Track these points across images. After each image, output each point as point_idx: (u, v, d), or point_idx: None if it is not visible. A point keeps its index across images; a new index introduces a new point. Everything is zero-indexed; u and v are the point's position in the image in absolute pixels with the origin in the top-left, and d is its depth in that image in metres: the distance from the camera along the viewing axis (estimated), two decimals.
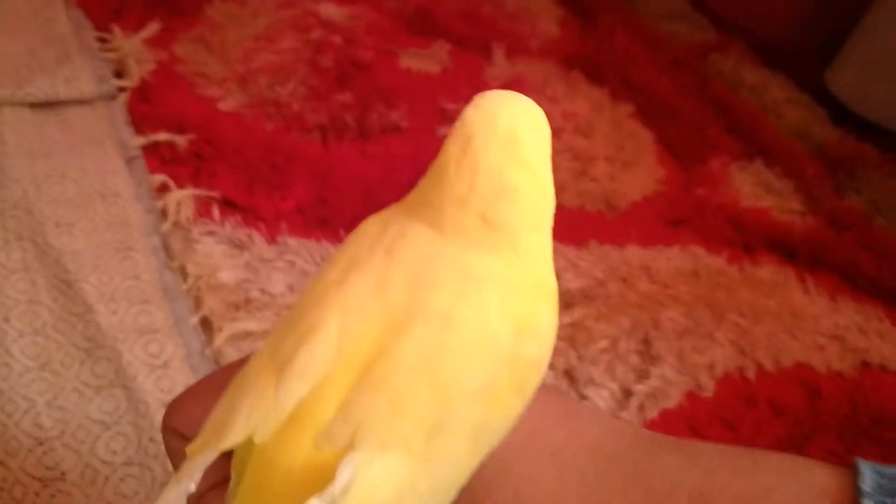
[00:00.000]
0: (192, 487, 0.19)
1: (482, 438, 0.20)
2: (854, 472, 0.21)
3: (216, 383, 0.23)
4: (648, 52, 1.10)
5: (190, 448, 0.20)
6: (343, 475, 0.17)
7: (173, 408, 0.25)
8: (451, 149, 0.20)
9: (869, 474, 0.21)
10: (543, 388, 0.22)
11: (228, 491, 0.20)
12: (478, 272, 0.20)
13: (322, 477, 0.18)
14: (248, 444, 0.19)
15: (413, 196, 0.21)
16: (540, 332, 0.21)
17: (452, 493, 0.20)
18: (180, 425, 0.24)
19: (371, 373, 0.19)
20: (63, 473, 0.47)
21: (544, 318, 0.21)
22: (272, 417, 0.19)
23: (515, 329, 0.20)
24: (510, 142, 0.20)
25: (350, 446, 0.18)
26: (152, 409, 0.50)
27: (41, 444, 0.48)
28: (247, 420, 0.19)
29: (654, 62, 1.08)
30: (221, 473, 0.21)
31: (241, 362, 0.22)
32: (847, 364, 0.71)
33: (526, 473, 0.23)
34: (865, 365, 0.73)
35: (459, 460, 0.20)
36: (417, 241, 0.20)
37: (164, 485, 0.48)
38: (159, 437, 0.49)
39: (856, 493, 0.21)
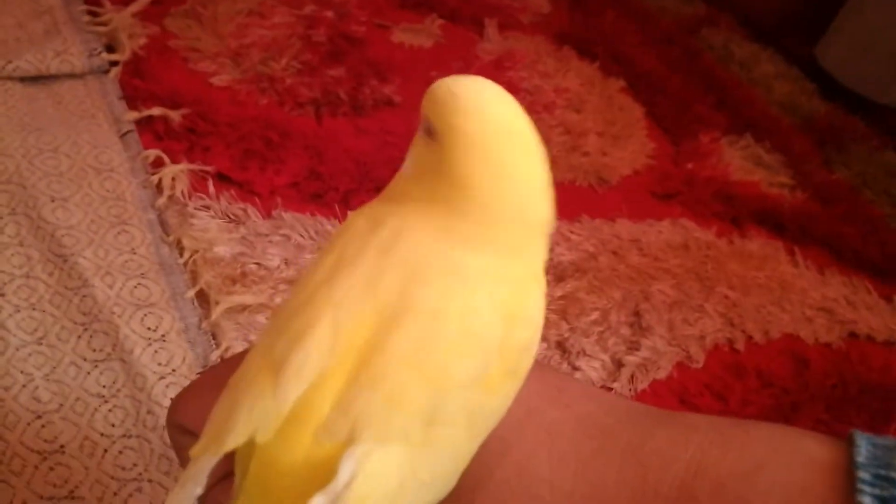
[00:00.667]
0: (199, 491, 0.19)
1: (478, 423, 0.21)
2: (849, 444, 0.21)
3: (216, 379, 0.23)
4: (639, 27, 1.10)
5: (193, 451, 0.20)
6: (345, 469, 0.18)
7: (176, 404, 0.26)
8: (470, 160, 0.20)
9: (865, 447, 0.21)
10: (537, 367, 0.23)
11: (233, 489, 0.21)
12: (470, 270, 0.20)
13: (324, 472, 0.18)
14: (250, 443, 0.19)
15: (410, 196, 0.21)
16: (529, 316, 0.21)
17: (453, 477, 0.21)
18: (184, 421, 0.25)
19: (366, 368, 0.19)
20: (62, 446, 0.47)
21: (533, 302, 0.21)
22: (272, 417, 0.19)
23: (505, 317, 0.20)
24: (523, 142, 0.21)
25: (350, 440, 0.19)
26: (150, 382, 0.51)
27: (39, 417, 0.48)
28: (247, 421, 0.19)
29: (645, 37, 1.08)
30: (224, 469, 0.21)
31: (239, 357, 0.23)
32: (835, 335, 0.73)
33: (524, 451, 0.23)
34: (853, 336, 0.74)
35: (458, 446, 0.20)
36: (414, 241, 0.20)
37: (162, 456, 0.48)
38: (157, 409, 0.50)
39: (850, 465, 0.20)
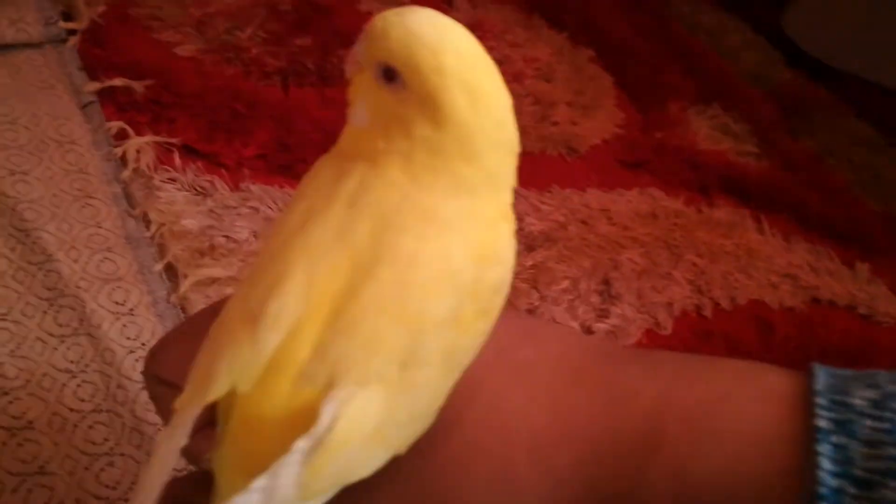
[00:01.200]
0: (185, 441, 0.20)
1: (453, 362, 0.21)
2: (809, 375, 0.22)
3: (192, 329, 0.24)
4: None
5: (177, 403, 0.21)
6: (326, 414, 0.19)
7: (153, 356, 0.26)
8: (453, 94, 0.20)
9: (823, 376, 0.22)
10: (510, 309, 0.23)
11: (216, 438, 0.21)
12: (444, 214, 0.20)
13: (305, 418, 0.19)
14: (232, 392, 0.20)
15: (377, 149, 0.21)
16: (500, 256, 0.22)
17: (430, 416, 0.22)
18: (161, 372, 0.25)
19: (342, 315, 0.19)
20: (30, 422, 0.47)
21: (504, 241, 0.22)
22: (252, 367, 0.20)
23: (477, 258, 0.21)
24: (491, 67, 0.21)
25: (329, 385, 0.19)
26: (119, 357, 0.50)
27: (6, 393, 0.47)
28: (228, 372, 0.20)
29: (614, 6, 1.08)
30: (206, 417, 0.22)
31: (213, 309, 0.23)
32: (798, 300, 0.74)
33: (496, 389, 0.24)
34: (816, 301, 0.76)
35: (433, 386, 0.21)
36: (386, 191, 0.20)
37: (133, 430, 0.48)
38: (127, 384, 0.49)
39: (809, 393, 0.21)
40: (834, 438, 0.20)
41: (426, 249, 0.20)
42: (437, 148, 0.20)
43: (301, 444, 0.18)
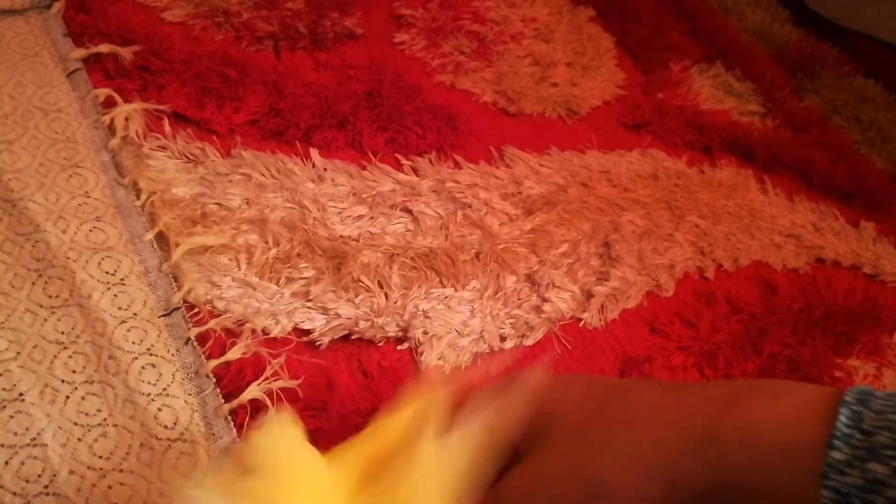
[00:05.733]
0: None
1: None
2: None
3: None
4: None
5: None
6: None
7: None
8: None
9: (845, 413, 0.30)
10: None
11: None
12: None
13: None
14: None
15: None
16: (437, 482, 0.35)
17: None
18: None
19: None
20: (21, 395, 0.46)
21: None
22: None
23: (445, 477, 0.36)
24: None
25: None
26: (110, 328, 0.50)
27: None
28: None
29: None
30: None
31: None
32: (802, 261, 0.73)
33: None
34: (819, 262, 0.74)
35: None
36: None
37: (126, 401, 0.47)
38: (119, 354, 0.49)
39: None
40: (854, 407, 0.29)
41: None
42: None
43: None
